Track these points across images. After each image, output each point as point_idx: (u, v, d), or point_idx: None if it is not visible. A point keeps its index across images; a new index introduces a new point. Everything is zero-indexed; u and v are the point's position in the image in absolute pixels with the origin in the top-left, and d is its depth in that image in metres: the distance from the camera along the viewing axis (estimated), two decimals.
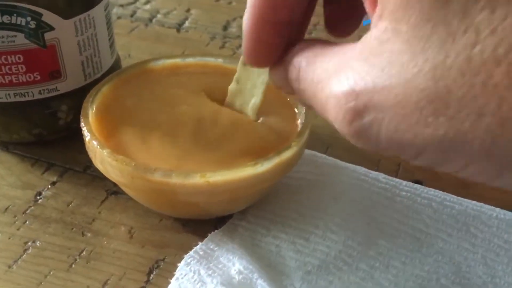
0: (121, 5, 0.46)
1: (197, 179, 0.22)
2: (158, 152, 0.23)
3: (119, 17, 0.45)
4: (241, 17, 0.47)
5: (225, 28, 0.44)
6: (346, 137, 0.15)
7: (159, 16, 0.45)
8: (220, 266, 0.23)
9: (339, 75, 0.15)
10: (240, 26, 0.44)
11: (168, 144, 0.24)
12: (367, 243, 0.24)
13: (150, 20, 0.45)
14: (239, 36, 0.43)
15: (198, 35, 0.43)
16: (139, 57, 0.39)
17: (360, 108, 0.14)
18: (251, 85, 0.25)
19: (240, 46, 0.42)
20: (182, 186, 0.22)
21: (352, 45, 0.15)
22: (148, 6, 0.47)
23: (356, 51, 0.15)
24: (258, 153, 0.24)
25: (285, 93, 0.21)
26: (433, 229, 0.25)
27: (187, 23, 0.44)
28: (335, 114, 0.15)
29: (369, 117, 0.14)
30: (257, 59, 0.20)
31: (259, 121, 0.26)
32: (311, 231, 0.25)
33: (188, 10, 0.46)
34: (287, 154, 0.23)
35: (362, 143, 0.15)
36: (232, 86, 0.25)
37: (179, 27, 0.44)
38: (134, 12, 0.46)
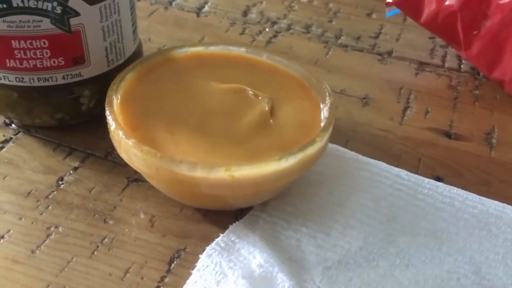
0: None
1: (222, 173, 0.22)
2: (184, 144, 0.24)
3: (138, 0, 0.44)
4: (261, 2, 0.47)
5: (245, 13, 0.44)
6: None
7: None
8: (241, 258, 0.23)
9: None
10: (260, 12, 0.44)
11: (194, 136, 0.24)
12: (388, 240, 0.24)
13: (170, 3, 0.44)
14: (259, 22, 0.43)
15: (217, 21, 0.42)
16: (158, 42, 0.39)
17: None
18: None
19: (260, 32, 0.41)
20: (207, 180, 0.22)
21: None
22: None
23: None
24: (282, 147, 0.24)
25: None
26: (454, 228, 0.25)
27: (206, 7, 0.44)
28: None
29: None
30: None
31: (284, 113, 0.26)
32: (331, 226, 0.25)
33: None
34: (312, 149, 0.23)
35: None
36: None
37: (198, 11, 0.44)
38: None
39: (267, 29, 0.42)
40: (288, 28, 0.42)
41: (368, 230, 0.25)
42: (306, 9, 0.45)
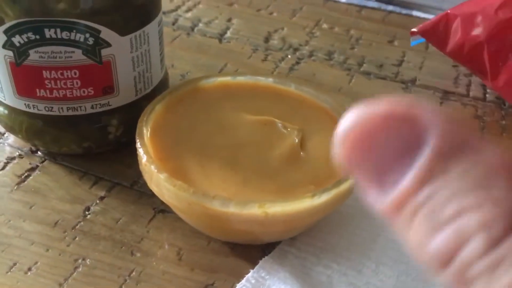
0: (163, 13, 0.46)
1: (255, 210, 0.22)
2: (215, 178, 0.23)
3: None
4: (282, 28, 0.47)
5: (266, 40, 0.44)
6: None
7: (200, 25, 0.45)
8: None
9: None
10: (281, 39, 0.44)
11: (225, 169, 0.24)
12: (422, 279, 0.24)
13: (192, 29, 0.44)
14: (281, 49, 0.43)
15: (240, 47, 0.43)
16: (182, 68, 0.39)
17: None
18: None
19: (282, 59, 0.41)
20: (239, 216, 0.22)
21: None
22: (189, 14, 0.46)
23: None
24: (314, 181, 0.24)
25: None
26: None
27: (228, 33, 0.44)
28: None
29: None
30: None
31: (314, 146, 0.26)
32: (363, 263, 0.24)
33: (229, 20, 0.46)
34: (345, 185, 0.23)
35: None
36: None
37: (220, 37, 0.44)
38: (176, 20, 0.45)
39: (289, 56, 0.42)
40: (310, 54, 0.42)
41: (401, 268, 0.24)
42: (328, 35, 0.45)
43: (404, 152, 0.10)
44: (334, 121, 0.27)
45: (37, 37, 0.25)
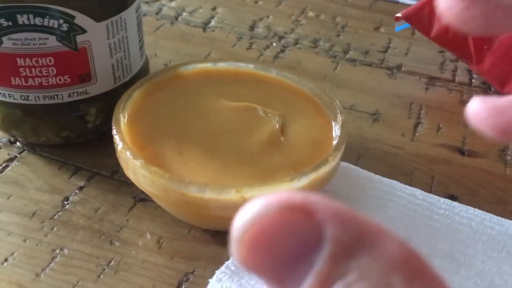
0: (147, 2, 0.46)
1: (232, 195, 0.21)
2: (194, 164, 0.23)
3: (144, 15, 0.44)
4: (268, 17, 0.46)
5: (251, 28, 0.43)
6: None
7: (184, 14, 0.44)
8: (252, 282, 0.22)
9: None
10: (266, 27, 0.44)
11: (204, 156, 0.23)
12: None
13: (176, 18, 0.44)
14: (266, 37, 0.42)
15: (224, 35, 0.42)
16: (165, 57, 0.39)
17: None
18: None
19: (267, 47, 0.41)
20: (217, 201, 0.21)
21: None
22: (173, 4, 0.46)
23: None
24: (294, 166, 0.23)
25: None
26: (472, 250, 0.24)
27: (213, 22, 0.44)
28: None
29: None
30: None
31: (295, 131, 0.25)
32: None
33: (214, 9, 0.45)
34: (324, 169, 0.23)
35: None
36: None
37: (205, 26, 0.43)
38: (160, 10, 0.45)
39: (274, 44, 0.41)
40: (296, 42, 0.42)
41: None
42: (313, 23, 0.45)
43: (302, 251, 0.10)
44: (315, 106, 0.27)
45: (10, 23, 0.24)
